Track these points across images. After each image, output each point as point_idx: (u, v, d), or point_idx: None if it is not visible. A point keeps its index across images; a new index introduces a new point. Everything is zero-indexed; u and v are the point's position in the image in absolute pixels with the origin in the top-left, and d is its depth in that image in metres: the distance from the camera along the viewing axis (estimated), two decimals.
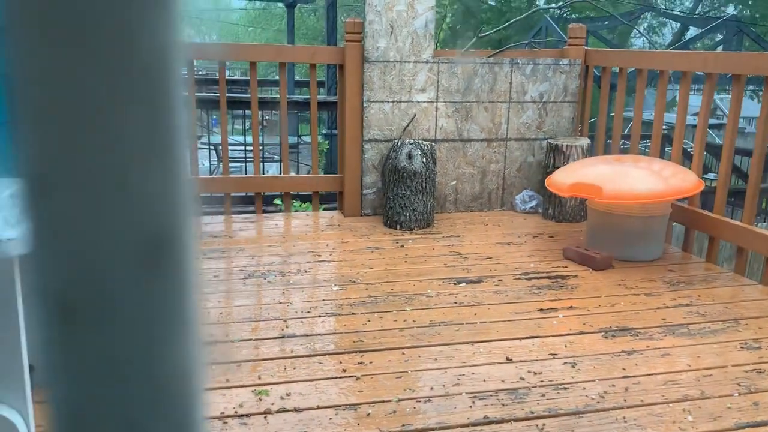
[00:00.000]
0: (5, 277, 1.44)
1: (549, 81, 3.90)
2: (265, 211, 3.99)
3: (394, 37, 3.61)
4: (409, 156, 3.49)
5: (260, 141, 5.40)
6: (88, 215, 0.23)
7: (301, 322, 2.41)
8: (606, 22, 12.65)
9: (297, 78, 9.02)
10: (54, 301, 0.24)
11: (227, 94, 3.79)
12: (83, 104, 0.22)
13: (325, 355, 2.17)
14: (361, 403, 1.84)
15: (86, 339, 0.24)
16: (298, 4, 10.23)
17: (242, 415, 1.77)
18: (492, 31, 5.58)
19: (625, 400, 1.89)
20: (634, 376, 2.03)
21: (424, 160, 3.51)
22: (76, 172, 0.23)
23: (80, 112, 0.22)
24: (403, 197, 3.52)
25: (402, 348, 2.19)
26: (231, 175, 3.93)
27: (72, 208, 0.23)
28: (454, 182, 3.87)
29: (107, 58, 0.22)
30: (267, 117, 8.74)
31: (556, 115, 3.95)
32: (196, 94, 3.71)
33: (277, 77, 3.97)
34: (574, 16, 13.91)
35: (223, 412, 1.78)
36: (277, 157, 9.00)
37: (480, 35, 4.44)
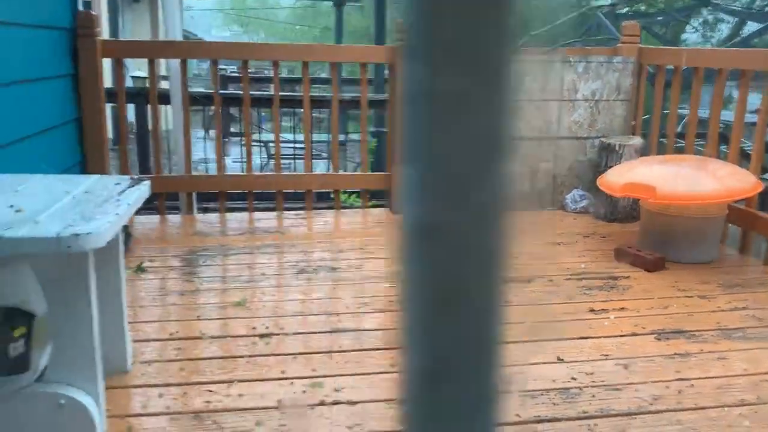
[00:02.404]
0: (80, 268, 1.53)
1: (601, 79, 3.85)
2: (315, 208, 4.06)
3: None
4: None
5: (310, 140, 5.47)
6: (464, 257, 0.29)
7: (353, 317, 2.45)
8: (660, 18, 12.35)
9: (344, 76, 9.11)
10: (426, 362, 0.30)
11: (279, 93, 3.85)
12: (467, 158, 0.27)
13: (377, 350, 2.21)
14: None
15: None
16: (347, 3, 10.31)
17: (299, 406, 1.82)
18: (544, 29, 5.52)
19: (679, 403, 1.87)
20: (688, 379, 2.01)
21: None
22: (459, 220, 0.29)
23: (464, 164, 0.28)
24: None
25: None
26: (283, 173, 4.01)
27: (452, 252, 0.30)
28: None
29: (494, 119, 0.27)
30: (314, 114, 8.84)
31: (609, 114, 3.90)
32: (251, 92, 3.79)
33: (321, 75, 4.06)
34: (625, 11, 13.62)
35: (280, 401, 1.84)
36: (324, 155, 9.10)
37: (532, 33, 4.42)
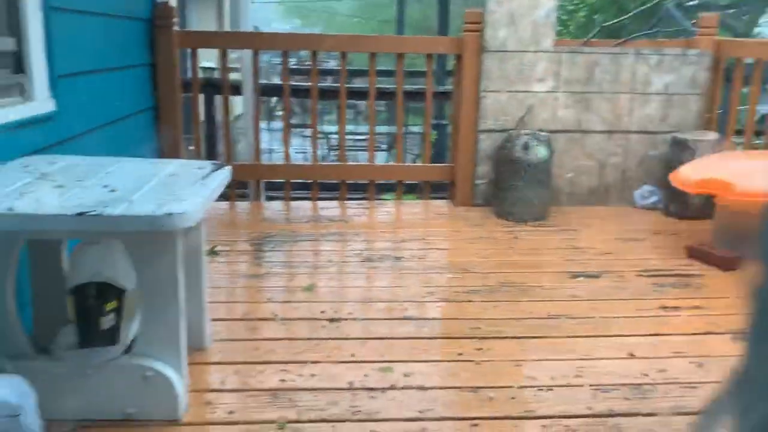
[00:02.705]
0: (170, 247, 1.60)
1: (676, 72, 3.74)
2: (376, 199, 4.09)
3: (515, 27, 3.59)
4: (525, 147, 3.47)
5: (368, 131, 5.49)
6: None
7: (419, 306, 2.47)
8: (731, 10, 11.85)
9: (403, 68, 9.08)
10: None
11: (346, 85, 3.89)
12: None
13: (444, 338, 2.23)
14: (482, 387, 1.89)
15: None
16: None
17: (369, 389, 1.86)
18: (614, 21, 5.38)
19: None
20: None
21: (541, 151, 3.48)
22: None
23: None
24: (517, 189, 3.50)
25: (519, 338, 2.21)
26: (347, 163, 4.06)
27: None
28: (571, 175, 3.81)
29: None
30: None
31: (683, 108, 3.78)
32: (318, 84, 3.85)
33: (380, 67, 4.04)
34: (696, 2, 13.11)
35: (351, 383, 1.88)
36: (383, 147, 9.13)
37: (604, 24, 4.31)
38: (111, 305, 1.65)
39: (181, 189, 1.67)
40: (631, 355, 2.10)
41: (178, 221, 1.46)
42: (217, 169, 1.90)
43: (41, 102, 2.15)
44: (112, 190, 1.62)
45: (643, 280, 2.75)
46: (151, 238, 1.56)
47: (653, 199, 3.78)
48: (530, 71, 3.66)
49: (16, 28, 2.06)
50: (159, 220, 1.44)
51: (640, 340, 2.21)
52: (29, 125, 2.06)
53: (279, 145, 7.99)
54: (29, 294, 1.85)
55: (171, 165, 1.95)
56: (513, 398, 1.83)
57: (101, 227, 1.46)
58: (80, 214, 1.43)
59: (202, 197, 1.61)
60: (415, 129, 8.03)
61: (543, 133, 3.54)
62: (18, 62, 2.07)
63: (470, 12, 3.66)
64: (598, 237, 3.31)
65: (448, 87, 5.98)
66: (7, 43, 2.03)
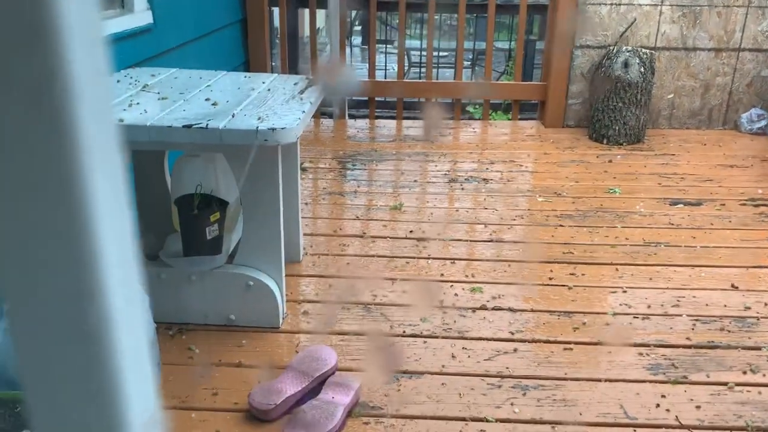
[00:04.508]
0: (271, 161, 1.61)
1: None
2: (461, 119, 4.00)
3: None
4: (626, 64, 3.26)
5: (448, 47, 5.30)
6: None
7: (509, 228, 2.44)
8: None
9: None
10: None
11: None
12: None
13: (534, 262, 2.19)
14: (575, 312, 1.86)
15: None
16: None
17: (460, 308, 1.87)
18: None
19: None
20: None
21: (642, 69, 3.26)
22: None
23: None
24: (614, 109, 3.33)
25: (615, 264, 2.15)
26: (433, 81, 3.95)
27: None
28: (671, 95, 3.58)
29: None
30: (447, 22, 8.55)
31: None
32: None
33: None
34: None
35: (441, 301, 1.89)
36: (466, 63, 8.84)
37: None
38: (215, 216, 1.70)
39: (281, 104, 1.66)
40: (734, 287, 2.01)
41: (281, 136, 1.47)
42: (311, 85, 1.88)
43: (139, 14, 2.17)
44: (214, 104, 1.64)
45: (748, 209, 2.60)
46: (252, 151, 1.57)
47: (762, 123, 3.51)
48: None
49: None
50: (262, 135, 1.45)
51: (742, 271, 2.11)
52: (129, 37, 2.09)
53: (356, 62, 7.88)
54: (134, 204, 1.93)
55: (268, 79, 1.94)
56: (607, 324, 1.80)
57: (206, 140, 1.48)
58: (187, 126, 1.45)
59: (302, 113, 1.60)
60: (498, 45, 7.70)
61: (645, 50, 3.31)
62: None
63: None
64: (699, 163, 3.13)
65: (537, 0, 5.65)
66: None
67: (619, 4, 3.43)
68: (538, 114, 3.85)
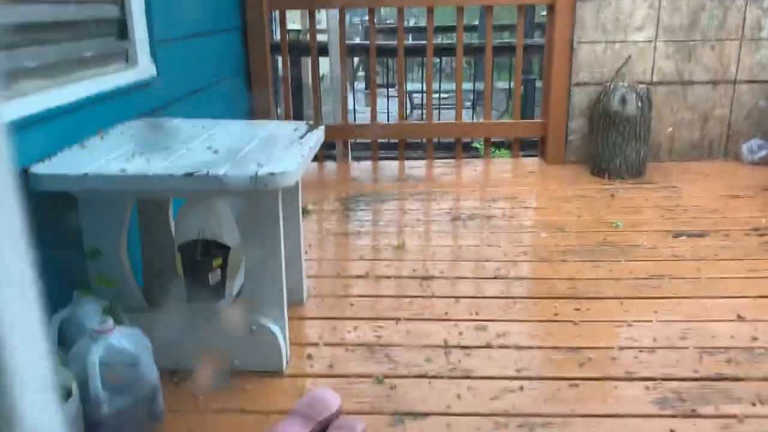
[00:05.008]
0: (271, 205, 1.64)
1: None
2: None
3: None
4: (623, 100, 3.30)
5: (450, 89, 5.40)
6: None
7: (513, 265, 2.44)
8: None
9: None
10: None
11: (436, 42, 3.81)
12: None
13: (539, 298, 2.19)
14: (581, 347, 1.85)
15: None
16: None
17: (464, 347, 1.86)
18: None
19: None
20: None
21: (639, 104, 3.31)
22: None
23: None
24: (614, 144, 3.36)
25: (620, 298, 2.14)
26: (434, 122, 4.01)
27: None
28: (671, 129, 3.61)
29: None
30: (451, 65, 8.70)
31: None
32: (405, 43, 3.79)
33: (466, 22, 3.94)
34: None
35: (446, 341, 1.89)
36: (467, 104, 8.97)
37: None
38: (217, 262, 1.72)
39: (281, 150, 1.70)
40: (740, 318, 1.99)
41: (280, 180, 1.49)
42: (311, 130, 1.92)
43: (144, 67, 2.24)
44: (216, 152, 1.68)
45: (753, 239, 2.59)
46: (252, 197, 1.60)
47: (763, 153, 3.53)
48: (628, 19, 3.46)
49: None
50: (261, 180, 1.47)
51: (748, 302, 2.10)
52: (134, 90, 2.14)
53: (361, 107, 8.00)
54: (139, 251, 1.95)
55: (269, 126, 1.99)
56: (614, 359, 1.79)
57: (207, 187, 1.51)
58: (188, 174, 1.48)
59: (301, 157, 1.63)
60: (499, 85, 7.83)
61: (641, 86, 3.36)
62: (121, 29, 2.15)
63: None
64: (702, 194, 3.14)
65: (536, 40, 5.76)
66: (111, 11, 2.11)
67: (614, 42, 3.49)
68: (539, 151, 3.89)
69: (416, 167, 3.82)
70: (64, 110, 1.73)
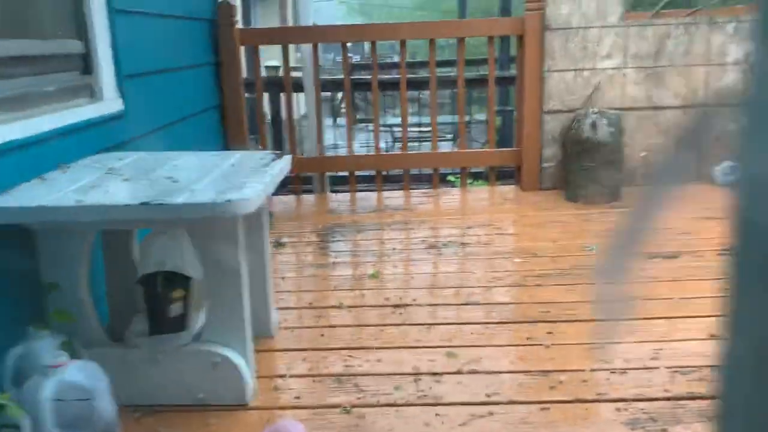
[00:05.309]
0: (232, 234, 1.62)
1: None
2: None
3: (578, 3, 3.46)
4: (594, 126, 3.34)
5: (436, 121, 5.44)
6: None
7: (486, 290, 2.42)
8: None
9: (466, 57, 8.99)
10: None
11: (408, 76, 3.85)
12: None
13: (512, 323, 2.17)
14: (552, 370, 1.82)
15: None
16: None
17: (435, 373, 1.83)
18: None
19: None
20: None
21: (611, 130, 3.34)
22: None
23: None
24: (588, 170, 3.38)
25: (592, 321, 2.12)
26: (409, 152, 4.03)
27: None
28: (644, 153, 3.64)
29: None
30: (437, 100, 8.85)
31: None
32: (379, 76, 3.83)
33: (442, 57, 4.01)
34: None
35: (416, 368, 1.86)
36: (448, 136, 9.06)
37: None
38: (178, 293, 1.69)
39: (242, 177, 1.69)
40: (713, 336, 1.97)
41: (238, 208, 1.48)
42: (277, 158, 1.92)
43: (109, 102, 2.24)
44: (176, 181, 1.66)
45: (725, 259, 2.59)
46: (212, 225, 1.58)
47: (735, 175, 3.55)
48: (596, 48, 3.52)
49: (83, 31, 2.15)
50: (219, 207, 1.46)
51: (721, 320, 2.08)
52: (99, 124, 2.14)
53: (344, 141, 8.07)
54: (103, 285, 1.92)
55: (234, 156, 1.98)
56: (585, 381, 1.77)
57: (164, 216, 1.50)
58: (144, 203, 1.47)
59: (262, 184, 1.62)
60: (481, 117, 7.92)
61: (612, 112, 3.40)
62: (86, 64, 2.15)
63: None
64: (676, 216, 3.15)
65: (513, 72, 5.85)
66: (75, 46, 2.12)
67: (583, 70, 3.55)
68: (516, 178, 3.91)
69: (394, 197, 3.82)
70: (23, 144, 1.72)
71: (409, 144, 3.94)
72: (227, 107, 3.61)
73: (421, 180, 4.42)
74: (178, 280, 1.71)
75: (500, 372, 1.83)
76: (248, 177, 1.69)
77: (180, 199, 1.49)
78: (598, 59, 3.53)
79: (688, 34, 3.51)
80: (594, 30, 3.50)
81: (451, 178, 4.77)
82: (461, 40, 3.76)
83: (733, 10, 3.75)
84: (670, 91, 3.58)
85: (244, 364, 1.70)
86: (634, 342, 1.96)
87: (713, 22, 3.52)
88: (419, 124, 8.02)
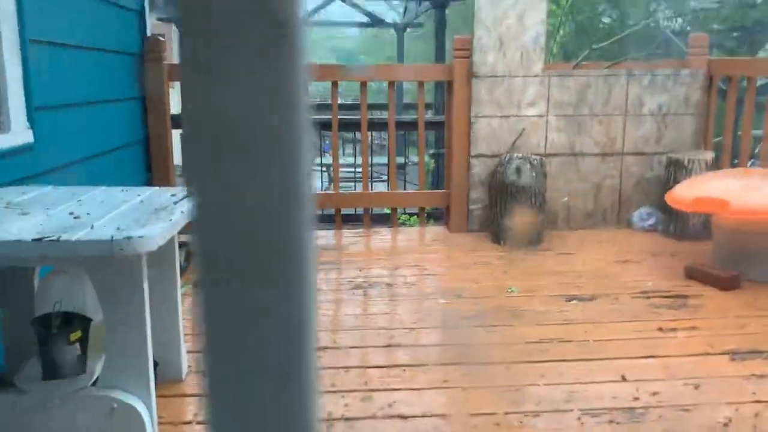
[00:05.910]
0: (134, 274, 1.56)
1: (669, 92, 3.71)
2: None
3: (503, 52, 3.59)
4: (518, 170, 3.43)
5: (369, 161, 5.51)
6: None
7: (407, 332, 2.41)
8: (735, 34, 11.84)
9: (406, 101, 9.17)
10: None
11: (338, 117, 3.88)
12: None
13: (430, 365, 2.15)
14: (466, 414, 1.81)
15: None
16: (408, 29, 10.43)
17: (348, 419, 1.79)
18: (606, 43, 5.37)
19: (755, 427, 1.73)
20: (765, 401, 1.85)
21: (534, 174, 3.43)
22: None
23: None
24: (511, 213, 3.45)
25: (509, 363, 2.14)
26: (341, 192, 4.03)
27: None
28: (566, 198, 3.75)
29: None
30: (377, 141, 8.94)
31: (677, 129, 3.74)
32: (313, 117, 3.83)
33: (380, 101, 4.08)
34: (694, 30, 13.10)
35: (330, 413, 1.81)
36: (384, 177, 9.15)
37: (594, 47, 4.33)
38: (75, 335, 1.60)
39: (148, 214, 1.63)
40: (624, 378, 2.01)
41: (139, 245, 1.42)
42: (189, 196, 1.87)
43: (17, 133, 2.15)
44: (77, 217, 1.59)
45: (640, 301, 2.67)
46: (112, 264, 1.52)
47: (652, 220, 3.71)
48: (521, 96, 3.64)
49: None
50: (117, 245, 1.40)
51: (634, 362, 2.13)
52: (5, 156, 2.04)
53: None
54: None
55: (145, 192, 1.92)
56: (497, 425, 1.76)
57: (60, 253, 1.42)
58: (37, 240, 1.39)
59: (168, 222, 1.57)
60: (417, 160, 8.04)
61: (535, 157, 3.50)
62: None
63: (459, 38, 3.67)
64: (595, 260, 3.24)
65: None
66: None
67: (508, 116, 3.65)
68: (444, 220, 3.95)
69: (325, 237, 3.79)
70: None
71: (346, 183, 3.96)
72: (153, 143, 3.53)
73: (350, 220, 4.41)
74: (76, 321, 1.62)
75: (414, 416, 1.81)
76: (155, 214, 1.64)
77: (77, 236, 1.42)
78: (522, 107, 3.65)
79: (607, 84, 3.68)
80: (518, 79, 3.62)
81: (387, 210, 4.77)
82: (391, 84, 3.82)
83: (649, 65, 3.96)
84: (591, 138, 3.72)
85: (145, 409, 1.61)
86: (549, 385, 1.98)
87: (630, 74, 3.70)
88: (355, 165, 8.09)
